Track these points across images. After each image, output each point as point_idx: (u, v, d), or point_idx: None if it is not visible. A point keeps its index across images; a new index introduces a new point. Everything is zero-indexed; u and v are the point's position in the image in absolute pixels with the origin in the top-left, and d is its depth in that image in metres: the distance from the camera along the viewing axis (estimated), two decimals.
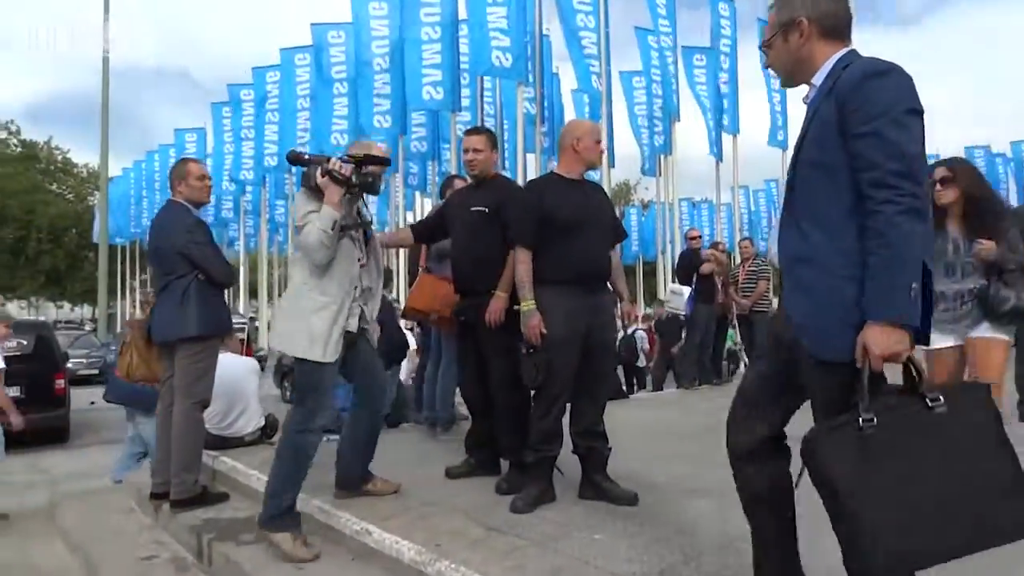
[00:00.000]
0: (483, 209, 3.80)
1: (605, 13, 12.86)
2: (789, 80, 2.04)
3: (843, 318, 1.77)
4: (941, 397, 1.72)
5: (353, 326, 3.31)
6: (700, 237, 8.86)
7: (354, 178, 3.18)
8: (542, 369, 3.31)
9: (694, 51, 15.14)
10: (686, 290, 8.04)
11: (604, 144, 4.41)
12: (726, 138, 15.43)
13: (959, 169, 3.51)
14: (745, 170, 15.54)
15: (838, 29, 1.95)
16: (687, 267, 8.28)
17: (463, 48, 13.52)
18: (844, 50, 1.93)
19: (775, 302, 11.16)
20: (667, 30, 13.90)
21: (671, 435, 5.26)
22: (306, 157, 3.26)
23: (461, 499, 3.55)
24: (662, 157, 16.33)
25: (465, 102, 14.02)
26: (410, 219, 15.32)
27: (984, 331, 3.45)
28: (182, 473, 3.98)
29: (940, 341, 3.46)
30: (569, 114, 16.37)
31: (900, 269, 1.69)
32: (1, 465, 5.23)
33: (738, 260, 9.76)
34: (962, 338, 3.49)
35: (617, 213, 3.94)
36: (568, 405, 3.47)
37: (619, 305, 3.76)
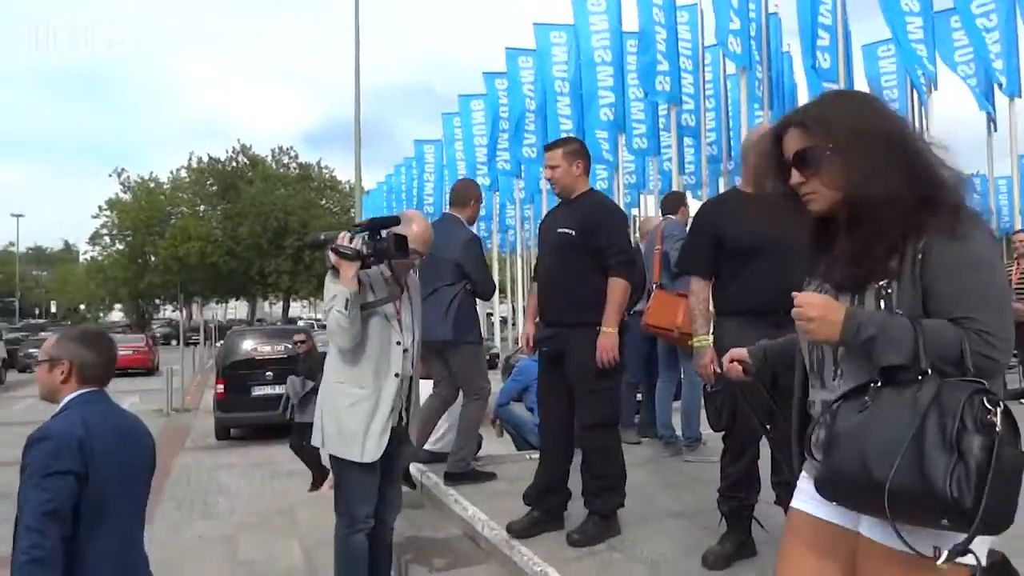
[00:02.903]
0: (568, 231, 3.46)
1: None
2: None
3: None
4: None
5: (394, 421, 2.97)
6: None
7: (365, 248, 2.83)
8: (725, 412, 3.00)
9: (949, 13, 13.08)
10: None
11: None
12: (1000, 102, 13.07)
13: (824, 120, 1.51)
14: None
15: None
16: None
17: (683, 35, 13.09)
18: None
19: None
20: None
21: None
22: (322, 239, 2.98)
23: (648, 545, 3.36)
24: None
25: (688, 89, 13.53)
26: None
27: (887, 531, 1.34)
28: (461, 451, 4.57)
29: (804, 500, 1.59)
30: (802, 95, 15.02)
31: None
32: None
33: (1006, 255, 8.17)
34: (849, 521, 1.49)
35: None
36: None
37: None
